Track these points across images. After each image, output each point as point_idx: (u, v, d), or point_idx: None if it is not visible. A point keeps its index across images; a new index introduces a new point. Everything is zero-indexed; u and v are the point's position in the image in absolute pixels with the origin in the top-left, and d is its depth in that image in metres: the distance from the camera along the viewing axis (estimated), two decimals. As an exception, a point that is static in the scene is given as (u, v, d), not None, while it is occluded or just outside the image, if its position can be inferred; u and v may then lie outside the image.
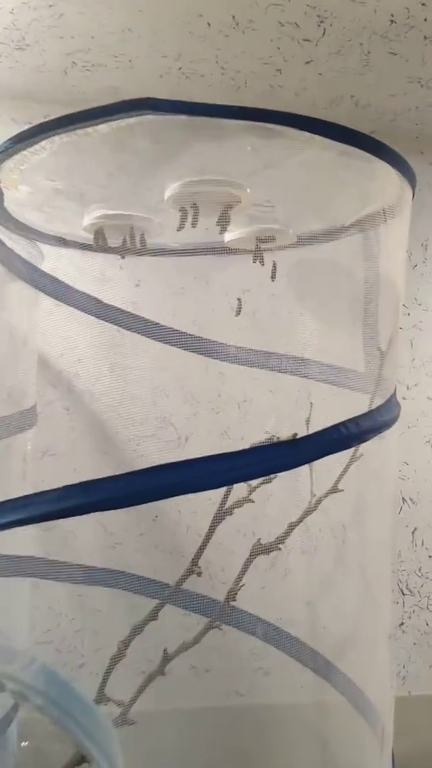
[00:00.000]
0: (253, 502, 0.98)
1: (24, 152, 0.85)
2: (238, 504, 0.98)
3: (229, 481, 0.89)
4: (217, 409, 1.72)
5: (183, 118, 0.79)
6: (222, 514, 0.97)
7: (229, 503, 0.97)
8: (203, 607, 1.25)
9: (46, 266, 1.37)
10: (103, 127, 0.80)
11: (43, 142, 0.83)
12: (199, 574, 1.01)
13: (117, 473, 1.80)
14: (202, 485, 0.76)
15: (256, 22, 1.39)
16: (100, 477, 1.77)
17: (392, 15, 1.37)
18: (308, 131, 0.81)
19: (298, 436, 0.82)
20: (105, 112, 0.78)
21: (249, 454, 0.81)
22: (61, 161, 0.89)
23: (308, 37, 1.44)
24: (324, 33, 1.42)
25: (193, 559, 1.01)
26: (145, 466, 1.78)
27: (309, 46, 1.47)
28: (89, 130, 0.80)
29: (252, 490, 0.98)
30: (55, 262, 1.36)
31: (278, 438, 0.85)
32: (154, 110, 0.77)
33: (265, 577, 1.40)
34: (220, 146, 0.85)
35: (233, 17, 1.37)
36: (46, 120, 0.81)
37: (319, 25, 1.40)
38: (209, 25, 1.39)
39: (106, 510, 0.81)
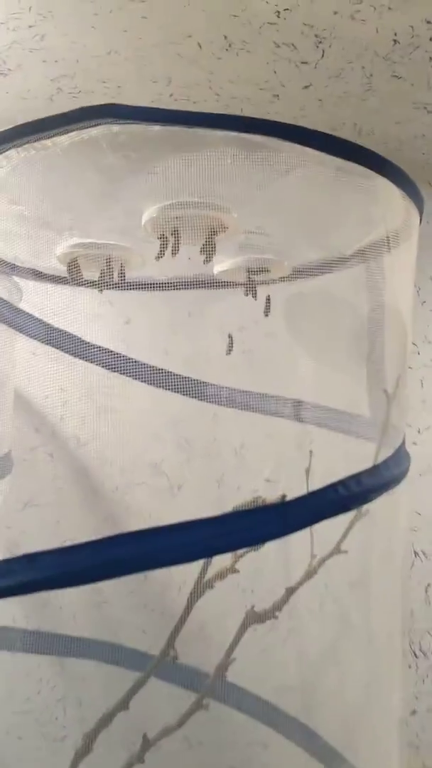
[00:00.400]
0: (237, 572, 0.85)
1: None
2: (221, 575, 0.85)
3: (206, 554, 0.76)
4: (212, 455, 1.60)
5: (155, 129, 0.69)
6: (201, 587, 0.84)
7: (210, 573, 0.84)
8: (191, 681, 1.11)
9: (28, 303, 1.27)
10: (63, 140, 0.69)
11: (-3, 159, 0.73)
12: (175, 658, 0.87)
13: (104, 525, 1.67)
14: (174, 559, 0.64)
15: (250, 43, 1.30)
16: (83, 528, 1.64)
17: (395, 34, 1.28)
18: (298, 143, 0.71)
19: (287, 498, 0.69)
20: (62, 121, 0.68)
21: (229, 521, 0.69)
22: (21, 181, 0.79)
23: (306, 59, 1.35)
24: (323, 55, 1.34)
25: (168, 641, 0.87)
26: (135, 517, 1.66)
27: (307, 69, 1.38)
28: (47, 142, 0.70)
29: (237, 558, 0.85)
30: (38, 297, 1.27)
31: (264, 500, 0.73)
32: (118, 118, 0.66)
33: (264, 640, 1.26)
34: (200, 163, 0.74)
35: (225, 38, 1.29)
36: (-5, 132, 0.71)
37: (317, 46, 1.31)
38: (200, 46, 1.31)
39: (56, 588, 0.68)
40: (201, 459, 1.59)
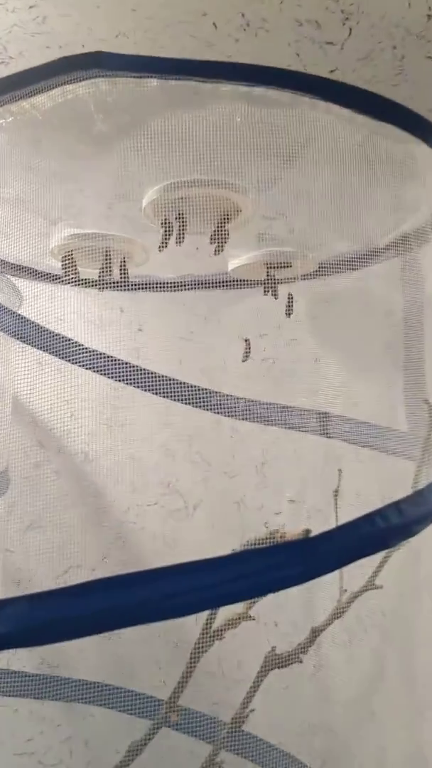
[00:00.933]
0: (253, 619, 0.72)
1: None
2: (232, 624, 0.71)
3: (213, 603, 0.62)
4: (231, 473, 1.49)
5: (151, 85, 0.57)
6: (208, 639, 0.71)
7: (218, 621, 0.71)
8: (204, 731, 0.97)
9: (29, 307, 1.17)
10: (43, 101, 0.58)
11: (-32, 128, 0.62)
12: (177, 724, 0.74)
13: (114, 548, 1.55)
14: (174, 610, 0.51)
15: (269, 21, 1.19)
16: (91, 552, 1.51)
17: (430, 8, 1.16)
18: (321, 98, 0.58)
19: (311, 534, 0.56)
20: (41, 74, 0.57)
21: (239, 563, 0.55)
22: (1, 157, 0.67)
23: (331, 39, 1.23)
24: (350, 33, 1.22)
25: (168, 703, 0.74)
26: (148, 540, 1.53)
27: (333, 50, 1.26)
28: (25, 104, 0.58)
29: (251, 604, 0.72)
30: (40, 302, 1.16)
31: (283, 534, 0.59)
32: (106, 69, 0.55)
33: (290, 674, 1.14)
34: (206, 130, 0.63)
35: (242, 15, 1.18)
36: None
37: (343, 24, 1.19)
38: (215, 26, 1.20)
39: (24, 646, 0.56)
40: (219, 477, 1.48)
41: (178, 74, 0.57)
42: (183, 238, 0.75)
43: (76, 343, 1.15)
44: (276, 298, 0.99)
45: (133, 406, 1.30)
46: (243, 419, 1.17)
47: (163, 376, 1.20)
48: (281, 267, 0.94)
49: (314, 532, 0.86)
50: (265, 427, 1.26)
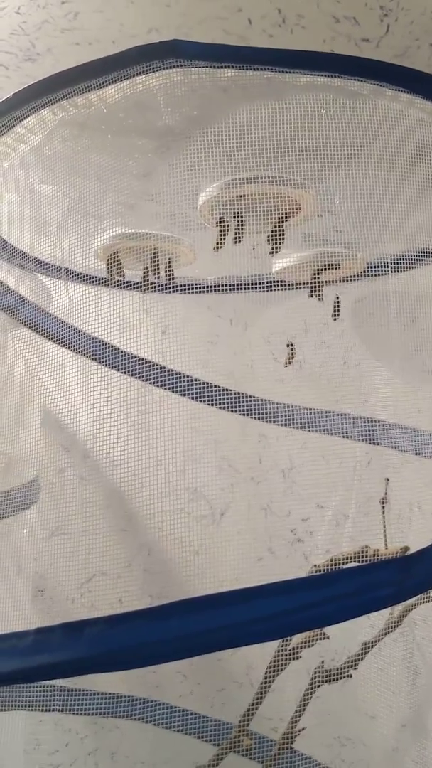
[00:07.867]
0: (327, 637, 0.69)
1: (3, 139, 0.60)
2: (309, 641, 0.68)
3: (296, 628, 0.57)
4: (258, 478, 1.46)
5: (226, 76, 0.54)
6: (285, 658, 0.68)
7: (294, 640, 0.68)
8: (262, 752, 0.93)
9: (58, 307, 1.14)
10: (111, 93, 0.55)
11: (29, 121, 0.59)
12: (250, 748, 0.71)
13: (139, 555, 1.52)
14: (254, 635, 0.47)
15: (306, 17, 1.17)
16: (116, 559, 1.48)
17: (472, 4, 1.14)
18: (408, 90, 0.55)
19: (409, 551, 0.53)
20: (114, 65, 0.54)
21: (332, 583, 0.51)
22: (56, 152, 0.64)
23: (368, 36, 1.21)
24: (387, 30, 1.19)
25: (239, 726, 0.70)
26: (174, 546, 1.50)
27: (369, 48, 1.24)
28: (91, 97, 0.56)
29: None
30: (66, 302, 1.14)
31: (376, 552, 0.56)
32: (183, 58, 0.52)
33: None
34: (278, 123, 0.60)
35: (279, 11, 1.15)
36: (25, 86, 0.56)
37: (382, 20, 1.17)
38: (250, 22, 1.18)
39: (95, 672, 0.52)
40: (245, 483, 1.45)
41: (258, 64, 0.54)
42: (241, 237, 0.72)
43: (105, 343, 1.12)
44: (321, 300, 0.96)
45: (160, 410, 1.27)
46: (281, 425, 1.15)
47: (195, 380, 1.18)
48: (329, 268, 0.92)
49: (361, 541, 0.84)
50: (291, 432, 1.23)
